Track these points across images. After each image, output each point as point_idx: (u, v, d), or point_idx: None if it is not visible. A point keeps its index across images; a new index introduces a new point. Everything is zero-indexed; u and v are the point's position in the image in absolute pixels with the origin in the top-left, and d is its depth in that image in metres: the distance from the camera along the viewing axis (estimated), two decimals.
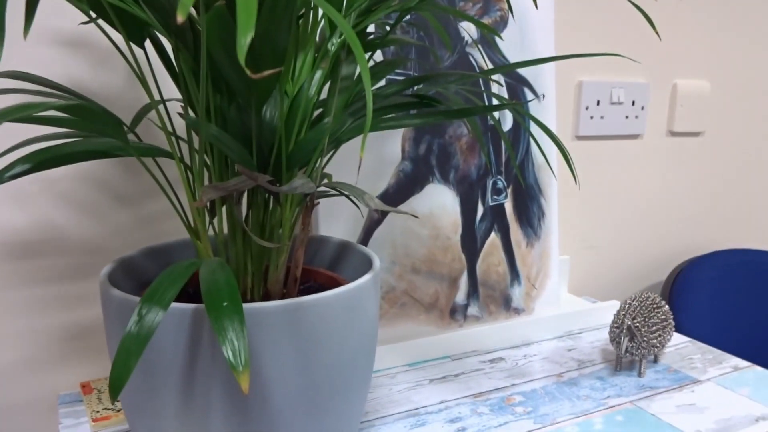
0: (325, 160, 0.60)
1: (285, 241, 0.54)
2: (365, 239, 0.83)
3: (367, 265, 0.61)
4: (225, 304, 0.37)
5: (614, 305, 0.98)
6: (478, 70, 0.90)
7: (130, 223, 0.77)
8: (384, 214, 0.84)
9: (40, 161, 0.40)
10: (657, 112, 1.16)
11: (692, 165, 1.23)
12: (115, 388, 0.36)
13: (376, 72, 0.57)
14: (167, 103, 0.76)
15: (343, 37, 0.52)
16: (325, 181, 0.66)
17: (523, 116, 0.93)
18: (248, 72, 0.25)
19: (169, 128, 0.74)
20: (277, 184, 0.52)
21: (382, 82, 0.78)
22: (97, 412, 0.69)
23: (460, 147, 0.89)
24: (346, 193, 0.51)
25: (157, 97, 0.75)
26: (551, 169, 0.83)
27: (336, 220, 0.81)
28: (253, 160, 0.51)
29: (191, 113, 0.64)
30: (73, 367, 0.77)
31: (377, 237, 0.83)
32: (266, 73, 0.37)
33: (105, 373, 0.79)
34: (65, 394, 0.75)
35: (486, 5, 0.91)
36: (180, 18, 0.20)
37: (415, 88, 0.58)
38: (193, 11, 0.54)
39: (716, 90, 1.21)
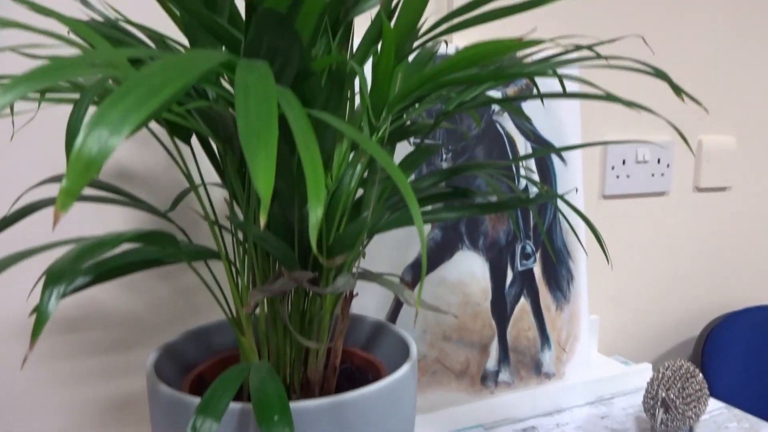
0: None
1: (324, 332, 0.55)
2: (396, 308, 0.84)
3: (402, 346, 0.62)
4: (276, 417, 0.38)
5: (646, 368, 0.97)
6: (505, 138, 0.92)
7: (168, 296, 0.79)
8: (414, 282, 0.85)
9: (100, 273, 0.42)
10: (683, 168, 1.17)
11: (720, 220, 1.22)
12: None
13: (412, 161, 0.59)
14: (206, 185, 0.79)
15: (382, 132, 0.54)
16: (364, 271, 0.67)
17: (552, 180, 0.94)
18: (322, 259, 0.26)
19: (211, 215, 0.76)
20: (319, 277, 0.54)
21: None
22: None
23: (489, 218, 0.90)
24: (385, 287, 0.52)
25: (202, 191, 0.78)
26: (580, 242, 0.84)
27: (369, 288, 0.83)
28: (295, 254, 0.52)
29: (236, 206, 0.66)
30: None
31: (408, 306, 0.84)
32: (338, 260, 0.39)
33: None
34: None
35: None
36: (262, 222, 0.22)
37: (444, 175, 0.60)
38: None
39: (742, 145, 1.22)
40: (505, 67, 0.42)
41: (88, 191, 0.72)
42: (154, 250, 0.45)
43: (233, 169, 0.51)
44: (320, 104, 0.43)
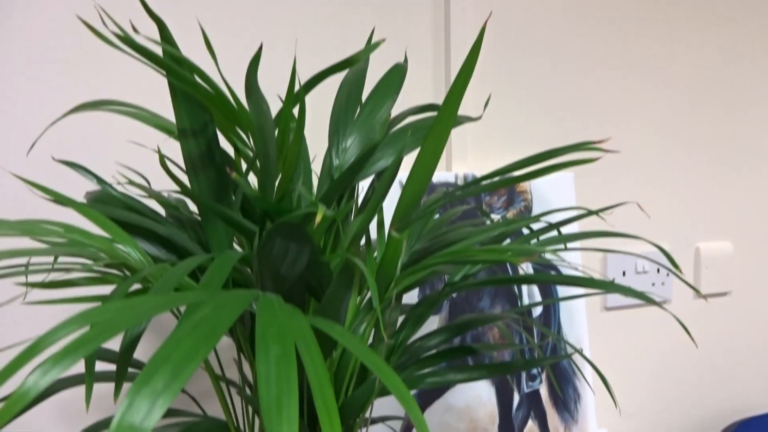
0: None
1: None
2: None
3: None
4: None
5: None
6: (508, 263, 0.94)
7: None
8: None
9: None
10: (683, 276, 1.18)
11: (723, 325, 1.23)
12: None
13: (419, 315, 0.60)
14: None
15: (389, 295, 0.56)
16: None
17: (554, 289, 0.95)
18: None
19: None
20: None
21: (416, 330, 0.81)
22: None
23: (493, 336, 0.91)
24: None
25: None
26: (584, 378, 0.84)
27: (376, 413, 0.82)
28: (304, 420, 0.53)
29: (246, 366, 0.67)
30: None
31: None
32: None
33: None
34: None
35: (510, 197, 0.96)
36: None
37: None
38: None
39: (739, 249, 1.24)
40: (514, 253, 0.44)
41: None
42: None
43: (244, 338, 0.53)
44: (331, 291, 0.45)
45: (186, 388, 0.79)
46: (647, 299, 0.46)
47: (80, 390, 0.75)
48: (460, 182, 0.93)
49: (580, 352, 0.59)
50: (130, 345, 0.37)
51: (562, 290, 0.97)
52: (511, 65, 1.01)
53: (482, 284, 0.51)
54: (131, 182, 0.58)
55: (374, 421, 0.61)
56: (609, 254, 1.10)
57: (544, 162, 0.51)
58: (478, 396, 0.88)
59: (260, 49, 0.41)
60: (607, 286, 0.46)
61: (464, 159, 0.97)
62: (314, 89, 0.84)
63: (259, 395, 0.26)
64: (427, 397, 0.85)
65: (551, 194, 1.01)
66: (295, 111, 0.63)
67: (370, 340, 0.61)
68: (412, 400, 0.32)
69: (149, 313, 0.30)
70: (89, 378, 0.36)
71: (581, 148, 0.48)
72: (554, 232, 0.66)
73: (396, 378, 0.33)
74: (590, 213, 0.55)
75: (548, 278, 0.49)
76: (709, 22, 1.17)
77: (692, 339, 0.51)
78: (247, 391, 0.57)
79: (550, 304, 0.95)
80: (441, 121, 0.48)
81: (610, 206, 0.53)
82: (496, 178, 0.50)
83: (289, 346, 0.28)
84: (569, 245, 1.04)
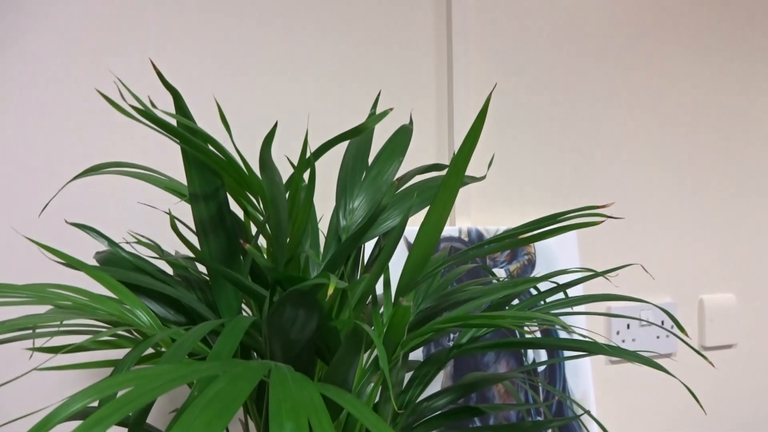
0: None
1: None
2: None
3: None
4: None
5: None
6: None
7: None
8: None
9: None
10: (687, 328, 1.18)
11: (729, 378, 1.22)
12: None
13: (425, 374, 0.60)
14: None
15: (396, 356, 0.56)
16: None
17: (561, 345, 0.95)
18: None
19: None
20: None
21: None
22: None
23: (498, 392, 0.90)
24: None
25: None
26: (595, 420, 0.83)
27: None
28: None
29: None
30: None
31: None
32: None
33: None
34: None
35: (514, 252, 0.97)
36: None
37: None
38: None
39: (742, 301, 1.24)
40: (516, 316, 0.45)
41: None
42: None
43: (250, 400, 0.53)
44: (340, 354, 0.45)
45: None
46: (653, 364, 0.46)
47: None
48: (464, 237, 0.94)
49: (588, 413, 0.58)
50: (141, 415, 0.37)
51: (570, 370, 0.97)
52: (514, 124, 1.03)
53: (488, 347, 0.51)
54: (140, 242, 0.59)
55: None
56: (612, 307, 1.10)
57: (549, 225, 0.52)
58: None
59: (275, 126, 0.42)
60: (613, 352, 0.47)
61: (468, 214, 0.98)
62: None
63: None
64: None
65: (554, 248, 1.01)
66: (305, 176, 0.65)
67: (377, 399, 0.61)
68: None
69: (165, 388, 0.30)
70: None
71: (585, 212, 0.49)
72: (560, 294, 0.66)
73: None
74: (596, 274, 0.55)
75: (553, 342, 0.50)
76: (711, 79, 1.20)
77: (698, 402, 0.51)
78: None
79: (556, 356, 0.95)
80: (447, 187, 0.49)
81: (615, 268, 0.54)
82: (506, 241, 0.51)
83: (302, 422, 0.29)
84: (575, 308, 1.05)
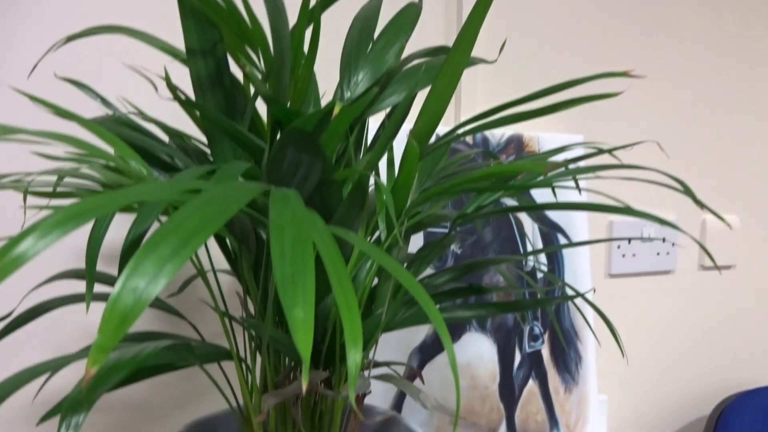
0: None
1: (336, 428, 0.54)
2: (402, 392, 0.83)
3: None
4: None
5: None
6: (513, 220, 0.93)
7: (172, 379, 0.78)
8: (421, 367, 0.84)
9: (104, 388, 0.42)
10: (688, 247, 1.17)
11: (726, 298, 1.22)
12: None
13: (425, 256, 0.59)
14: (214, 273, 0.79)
15: (395, 232, 0.54)
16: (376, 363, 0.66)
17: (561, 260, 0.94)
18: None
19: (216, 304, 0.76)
20: (332, 375, 0.53)
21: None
22: None
23: (498, 294, 0.90)
24: (400, 387, 0.51)
25: (211, 278, 0.78)
26: (590, 327, 0.83)
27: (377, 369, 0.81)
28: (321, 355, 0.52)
29: (249, 303, 0.66)
30: None
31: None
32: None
33: None
34: None
35: (518, 152, 0.95)
36: (304, 386, 0.21)
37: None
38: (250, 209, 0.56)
39: (746, 223, 1.23)
40: (526, 180, 0.43)
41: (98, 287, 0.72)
42: (166, 355, 0.45)
43: (247, 267, 0.52)
44: (341, 211, 0.43)
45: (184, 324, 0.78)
46: (658, 219, 0.44)
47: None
48: (468, 141, 0.91)
49: (583, 296, 0.58)
50: (98, 239, 0.35)
51: (568, 256, 0.96)
52: (525, 7, 0.99)
53: (493, 213, 0.50)
54: (135, 108, 0.56)
55: (377, 364, 0.59)
56: (615, 221, 1.09)
57: (562, 93, 0.50)
58: (479, 354, 0.88)
59: None
60: (620, 210, 0.45)
61: (473, 108, 0.95)
62: (324, 25, 0.82)
63: (273, 274, 0.25)
64: (428, 352, 0.84)
65: (560, 159, 0.99)
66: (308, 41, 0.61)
67: (375, 281, 0.60)
68: (431, 302, 0.31)
69: (145, 196, 0.29)
70: (90, 267, 0.35)
71: (605, 76, 0.47)
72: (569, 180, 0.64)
73: (414, 281, 0.31)
74: (602, 151, 0.53)
75: (563, 205, 0.48)
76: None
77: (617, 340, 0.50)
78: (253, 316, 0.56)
79: (556, 268, 0.94)
80: (460, 46, 0.46)
81: (626, 145, 0.51)
82: (512, 110, 0.48)
83: (305, 229, 0.27)
84: (583, 186, 1.03)
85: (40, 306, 0.48)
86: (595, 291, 0.92)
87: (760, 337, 1.27)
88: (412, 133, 0.45)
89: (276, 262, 0.25)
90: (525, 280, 0.86)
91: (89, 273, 0.35)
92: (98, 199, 0.26)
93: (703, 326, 1.20)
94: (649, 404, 1.16)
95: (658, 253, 1.13)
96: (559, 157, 0.96)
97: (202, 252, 0.77)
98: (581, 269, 0.99)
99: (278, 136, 0.44)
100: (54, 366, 0.39)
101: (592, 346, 0.96)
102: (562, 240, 0.96)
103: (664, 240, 1.13)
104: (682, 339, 1.18)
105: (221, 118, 0.43)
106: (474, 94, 0.95)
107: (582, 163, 0.99)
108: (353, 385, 0.23)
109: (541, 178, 0.50)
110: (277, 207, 0.28)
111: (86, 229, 0.73)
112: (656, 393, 1.16)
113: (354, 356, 0.25)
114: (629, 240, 1.10)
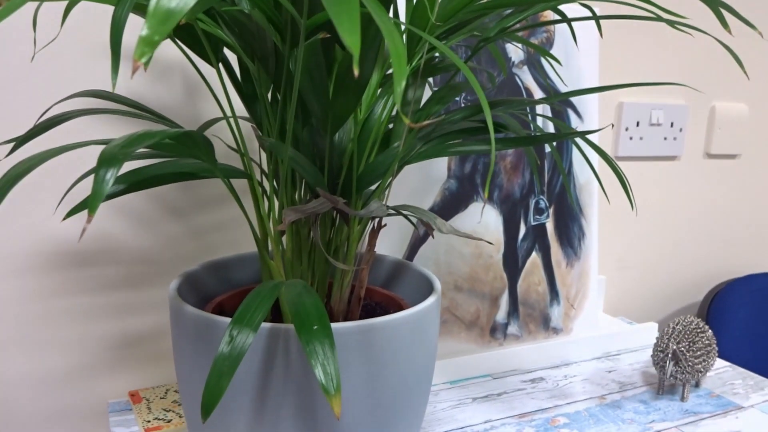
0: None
1: (352, 258, 0.55)
2: (410, 256, 0.84)
3: (423, 285, 0.62)
4: (315, 327, 0.38)
5: (652, 327, 0.98)
6: (524, 91, 0.91)
7: (182, 235, 0.78)
8: (428, 232, 0.85)
9: (133, 182, 0.41)
10: (695, 133, 1.17)
11: (729, 187, 1.22)
12: (208, 407, 0.36)
13: (442, 96, 0.58)
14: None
15: (414, 63, 0.53)
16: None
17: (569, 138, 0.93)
18: (407, 121, 0.25)
19: (239, 145, 0.75)
20: (348, 205, 0.53)
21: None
22: (148, 422, 0.70)
23: (504, 166, 0.89)
24: (416, 216, 0.51)
25: (227, 112, 0.76)
26: (602, 187, 0.83)
27: (382, 236, 0.82)
28: (324, 179, 0.52)
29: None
30: (121, 375, 0.78)
31: (421, 254, 0.84)
32: (425, 123, 0.38)
33: (152, 382, 0.80)
34: (114, 402, 0.76)
35: (533, 29, 0.92)
36: (356, 71, 0.21)
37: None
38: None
39: (754, 113, 1.21)
40: None
41: (111, 105, 0.71)
42: (188, 164, 0.45)
43: (265, 90, 0.50)
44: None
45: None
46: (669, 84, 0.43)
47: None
48: None
49: (582, 136, 0.57)
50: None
51: (577, 157, 0.95)
52: None
53: (517, 31, 0.48)
54: None
55: (390, 212, 0.59)
56: (625, 103, 1.07)
57: None
58: (485, 223, 0.88)
59: None
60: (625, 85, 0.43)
61: None
62: None
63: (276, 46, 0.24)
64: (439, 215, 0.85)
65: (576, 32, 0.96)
66: None
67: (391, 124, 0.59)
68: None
69: None
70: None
71: None
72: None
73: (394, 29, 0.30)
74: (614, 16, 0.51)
75: (581, 92, 0.46)
76: None
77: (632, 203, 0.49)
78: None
79: (563, 147, 0.93)
80: None
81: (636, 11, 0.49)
82: None
83: None
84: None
85: (61, 115, 0.47)
86: (612, 126, 0.91)
87: (758, 226, 1.28)
88: None
89: None
90: (533, 126, 0.86)
91: (114, 49, 0.34)
92: None
93: (704, 213, 1.21)
94: (645, 287, 1.18)
95: (665, 138, 1.13)
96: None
97: (221, 96, 0.76)
98: (588, 149, 0.98)
99: None
100: (66, 148, 0.38)
101: (595, 223, 0.97)
102: (573, 118, 0.95)
103: (672, 124, 1.13)
104: (681, 225, 1.19)
105: None
106: None
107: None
108: (399, 83, 0.22)
109: None
110: None
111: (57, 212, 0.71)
112: (653, 276, 1.18)
113: (399, 84, 0.24)
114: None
